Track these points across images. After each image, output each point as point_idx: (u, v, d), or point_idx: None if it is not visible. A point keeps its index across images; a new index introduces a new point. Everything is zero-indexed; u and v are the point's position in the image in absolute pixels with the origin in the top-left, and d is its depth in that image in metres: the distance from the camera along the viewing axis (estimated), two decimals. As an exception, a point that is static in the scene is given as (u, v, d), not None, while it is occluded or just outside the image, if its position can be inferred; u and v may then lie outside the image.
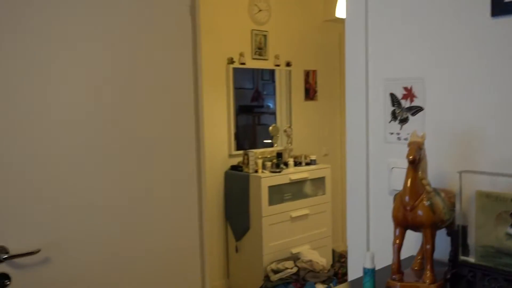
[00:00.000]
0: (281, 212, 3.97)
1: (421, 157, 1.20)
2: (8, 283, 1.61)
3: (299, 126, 4.70)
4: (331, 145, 5.01)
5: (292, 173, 4.09)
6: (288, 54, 4.61)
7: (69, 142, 1.74)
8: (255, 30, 4.35)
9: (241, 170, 4.06)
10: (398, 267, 1.23)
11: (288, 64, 4.63)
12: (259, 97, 4.64)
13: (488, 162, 1.33)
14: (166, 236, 2.04)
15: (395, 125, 1.55)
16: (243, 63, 4.28)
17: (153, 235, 2.00)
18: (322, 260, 3.80)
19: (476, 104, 1.35)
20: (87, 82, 1.78)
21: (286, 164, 4.19)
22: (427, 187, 1.21)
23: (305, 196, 4.20)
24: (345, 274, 3.54)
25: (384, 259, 1.37)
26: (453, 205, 1.27)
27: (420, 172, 1.20)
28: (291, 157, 4.31)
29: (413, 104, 1.49)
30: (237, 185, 4.05)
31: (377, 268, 1.21)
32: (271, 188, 3.91)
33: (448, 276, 1.24)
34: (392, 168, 1.56)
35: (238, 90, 4.32)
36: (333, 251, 4.36)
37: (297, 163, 4.27)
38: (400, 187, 1.24)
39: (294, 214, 4.05)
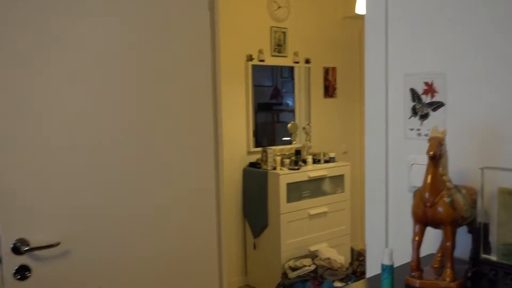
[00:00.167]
0: (299, 210, 3.95)
1: (442, 153, 1.18)
2: (28, 274, 1.64)
3: (318, 123, 4.68)
4: (350, 143, 4.98)
5: (310, 171, 4.07)
6: (307, 51, 4.59)
7: (89, 138, 1.76)
8: (274, 27, 4.34)
9: (260, 167, 4.06)
10: (417, 264, 1.21)
11: (307, 61, 4.61)
12: (278, 95, 4.63)
13: (511, 158, 1.30)
14: (184, 232, 2.05)
15: (415, 121, 1.53)
16: (262, 60, 4.27)
17: (171, 231, 2.01)
18: (340, 258, 3.78)
19: (499, 99, 1.32)
20: (107, 79, 1.80)
21: (304, 162, 4.17)
22: (448, 184, 1.19)
23: (324, 193, 4.18)
24: (364, 272, 3.51)
25: (402, 256, 1.36)
26: (474, 202, 1.25)
27: (440, 168, 1.18)
28: (310, 154, 4.29)
29: (434, 99, 1.47)
30: (255, 182, 4.05)
31: (395, 265, 1.20)
32: (290, 185, 3.90)
33: (469, 274, 1.21)
34: (412, 164, 1.53)
35: (257, 87, 4.31)
36: (352, 249, 4.33)
37: (315, 161, 4.25)
38: (419, 184, 1.23)
39: (312, 211, 4.03)
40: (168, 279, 2.02)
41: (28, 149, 1.64)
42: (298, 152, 4.26)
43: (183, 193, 2.04)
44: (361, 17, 4.08)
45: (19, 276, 1.62)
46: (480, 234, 1.25)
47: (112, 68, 1.81)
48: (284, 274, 3.73)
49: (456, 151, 1.36)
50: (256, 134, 4.28)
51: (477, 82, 1.37)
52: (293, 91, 4.63)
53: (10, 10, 1.58)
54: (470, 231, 1.28)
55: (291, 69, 4.58)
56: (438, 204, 1.17)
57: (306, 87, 4.64)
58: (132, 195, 1.89)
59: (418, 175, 1.38)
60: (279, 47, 4.40)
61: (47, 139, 1.68)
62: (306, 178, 4.02)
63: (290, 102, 4.68)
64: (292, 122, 4.53)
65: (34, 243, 1.63)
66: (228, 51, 3.65)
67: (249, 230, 4.17)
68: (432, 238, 1.35)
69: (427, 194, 1.18)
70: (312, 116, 4.64)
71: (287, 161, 4.08)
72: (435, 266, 1.29)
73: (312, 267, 3.67)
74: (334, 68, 4.84)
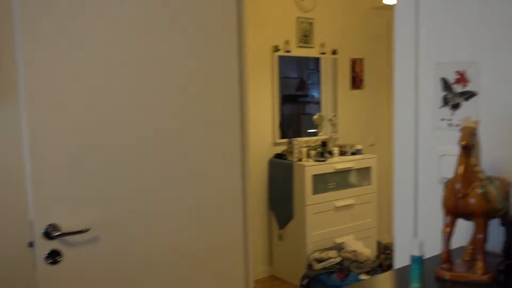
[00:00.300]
0: (325, 201, 3.93)
1: (474, 143, 1.15)
2: (60, 259, 1.68)
3: (344, 115, 4.63)
4: (377, 135, 4.91)
5: (337, 162, 4.04)
6: (334, 42, 4.54)
7: (122, 129, 1.79)
8: (300, 17, 4.30)
9: (285, 159, 4.05)
10: (447, 256, 1.19)
11: (334, 52, 4.56)
12: (303, 87, 4.60)
13: (547, 149, 1.26)
14: (210, 221, 2.06)
15: (446, 111, 1.49)
16: (289, 51, 4.24)
17: (197, 221, 2.02)
18: (366, 250, 3.75)
19: (536, 88, 1.29)
20: (138, 71, 1.82)
21: (330, 153, 4.14)
22: (480, 175, 1.16)
23: (350, 186, 4.14)
24: (390, 266, 3.47)
25: (432, 249, 1.33)
26: (507, 194, 1.22)
27: (472, 159, 1.16)
28: (336, 146, 4.26)
29: (466, 89, 1.43)
30: (281, 173, 4.04)
31: (425, 257, 1.18)
32: (315, 177, 3.88)
33: (502, 267, 1.19)
34: (443, 155, 1.51)
35: (282, 79, 4.29)
36: (378, 243, 4.29)
37: (342, 153, 4.22)
38: (450, 175, 1.20)
39: (338, 203, 4.01)
40: (193, 268, 2.03)
41: (63, 137, 1.67)
42: (324, 144, 4.23)
43: (209, 183, 2.04)
44: (389, 7, 4.00)
45: (50, 261, 1.66)
46: (513, 226, 1.22)
47: (140, 61, 1.82)
48: (310, 266, 3.72)
49: (490, 141, 1.33)
50: (281, 126, 4.26)
51: (511, 70, 1.33)
52: (319, 83, 4.60)
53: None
54: (503, 224, 1.25)
55: (317, 61, 4.54)
56: (469, 195, 1.15)
57: (332, 78, 4.60)
58: (159, 185, 1.90)
59: (449, 166, 1.34)
60: (305, 38, 4.36)
61: (83, 130, 1.71)
62: (332, 170, 3.99)
63: (315, 94, 4.64)
64: (319, 113, 4.49)
65: (65, 228, 1.67)
66: (254, 42, 3.64)
67: (274, 221, 4.17)
68: (463, 230, 1.32)
69: (458, 185, 1.15)
70: (338, 108, 4.60)
71: (313, 152, 4.06)
72: (466, 258, 1.27)
73: (338, 259, 3.65)
74: (361, 59, 4.78)
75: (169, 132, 1.91)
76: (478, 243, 1.16)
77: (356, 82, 4.78)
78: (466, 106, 1.44)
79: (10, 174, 1.77)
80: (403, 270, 1.35)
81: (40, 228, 1.64)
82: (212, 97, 2.03)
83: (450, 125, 1.48)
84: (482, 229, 1.15)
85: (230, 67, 2.08)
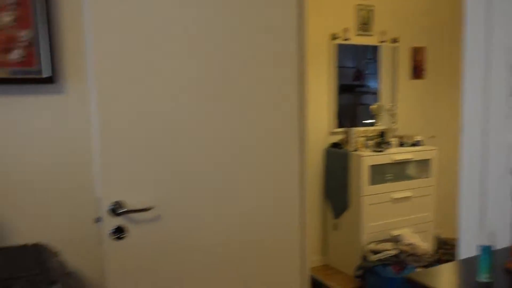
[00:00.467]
0: (382, 193, 3.85)
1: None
2: (124, 235, 1.74)
3: (404, 105, 4.50)
4: (439, 126, 4.74)
5: (395, 153, 3.94)
6: (394, 30, 4.41)
7: (187, 113, 1.83)
8: (360, 4, 4.21)
9: (342, 148, 4.00)
10: (519, 246, 1.14)
11: (394, 41, 4.43)
12: (360, 76, 4.51)
13: None
14: (267, 206, 2.08)
15: (521, 96, 1.42)
16: (347, 39, 4.17)
17: (256, 207, 2.04)
18: (424, 244, 3.65)
19: None
20: (202, 55, 1.85)
21: (388, 144, 4.05)
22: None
23: (408, 178, 4.04)
24: (449, 261, 3.37)
25: (501, 241, 1.28)
26: None
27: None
28: (395, 137, 4.16)
29: (544, 73, 1.36)
30: (337, 162, 4.00)
31: (494, 249, 1.13)
32: (372, 168, 3.81)
33: None
34: (515, 143, 1.44)
35: (339, 69, 4.23)
36: (437, 237, 4.16)
37: (401, 144, 4.11)
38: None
39: (395, 195, 3.92)
40: (250, 253, 2.06)
41: (130, 120, 1.73)
42: (382, 134, 4.14)
43: (268, 170, 2.06)
44: (456, -8, 3.83)
45: (116, 236, 1.73)
46: None
47: (201, 50, 1.85)
48: (364, 257, 3.67)
49: None
50: (337, 115, 4.21)
51: None
52: (376, 73, 4.49)
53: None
54: None
55: (375, 50, 4.44)
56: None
57: (392, 67, 4.48)
58: (220, 171, 1.94)
59: (523, 153, 1.28)
60: (364, 26, 4.26)
61: (150, 114, 1.76)
62: (390, 161, 3.90)
63: (372, 84, 4.54)
64: (378, 103, 4.40)
65: (130, 206, 1.73)
66: (311, 30, 3.59)
67: (329, 211, 4.14)
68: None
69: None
70: (398, 98, 4.48)
71: (370, 142, 3.98)
72: (539, 250, 1.21)
73: (394, 252, 3.58)
74: (423, 48, 4.62)
75: (229, 118, 1.94)
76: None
77: (417, 71, 4.63)
78: (543, 92, 1.36)
79: (79, 153, 1.85)
80: (468, 261, 1.31)
81: (107, 205, 1.71)
82: (272, 85, 2.03)
83: (524, 111, 1.41)
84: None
85: (289, 56, 2.07)
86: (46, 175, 1.81)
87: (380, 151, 3.89)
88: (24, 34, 1.70)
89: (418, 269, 3.38)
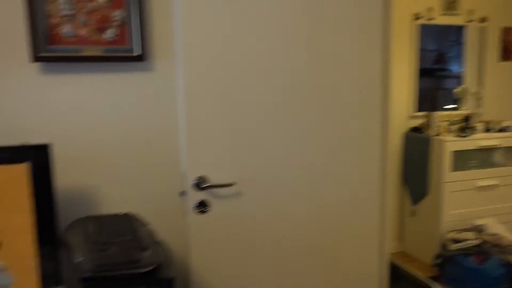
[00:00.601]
0: (465, 180, 3.68)
1: None
2: (207, 209, 1.80)
3: (491, 89, 4.25)
4: (529, 112, 4.44)
5: (480, 139, 3.74)
6: (483, 9, 4.15)
7: (269, 92, 1.84)
8: (447, -18, 4.00)
9: (422, 133, 3.86)
10: None
11: (482, 20, 4.17)
12: (442, 60, 4.30)
13: None
14: (347, 189, 2.05)
15: None
16: (431, 19, 3.98)
17: (334, 188, 2.03)
18: (510, 235, 3.45)
19: None
20: (287, 38, 1.84)
21: (473, 129, 3.84)
22: None
23: (495, 165, 3.82)
24: (538, 254, 3.16)
25: None
26: None
27: None
28: (480, 122, 3.94)
29: None
30: (417, 147, 3.86)
31: None
32: (455, 153, 3.64)
33: None
34: None
35: (420, 51, 4.06)
36: (524, 229, 3.92)
37: (486, 129, 3.89)
38: None
39: (480, 183, 3.73)
40: (328, 236, 2.05)
41: (215, 97, 1.77)
42: (466, 119, 3.94)
43: (348, 153, 2.03)
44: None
45: (199, 210, 1.79)
46: None
47: (287, 32, 1.85)
48: (444, 245, 3.54)
49: None
50: (418, 100, 4.06)
51: None
52: (459, 56, 4.26)
53: None
54: None
55: (459, 31, 4.20)
56: None
57: (479, 49, 4.23)
58: (301, 151, 1.94)
59: None
60: (451, 4, 4.05)
61: (234, 91, 1.79)
62: (475, 147, 3.71)
63: (455, 68, 4.32)
64: (463, 86, 4.18)
65: (213, 181, 1.79)
66: (394, 9, 3.47)
67: (407, 196, 4.03)
68: None
69: None
70: (484, 81, 4.23)
71: (453, 127, 3.80)
72: None
73: (476, 242, 3.42)
74: (515, 28, 4.32)
75: (313, 100, 1.93)
76: None
77: (507, 53, 4.34)
78: None
79: (165, 129, 1.93)
80: None
81: (191, 179, 1.77)
82: (356, 69, 1.99)
83: None
84: None
85: (374, 38, 2.01)
86: (134, 149, 1.91)
87: (464, 136, 3.71)
88: (117, 14, 1.78)
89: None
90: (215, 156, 1.80)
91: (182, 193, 1.81)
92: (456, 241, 3.46)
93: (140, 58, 1.82)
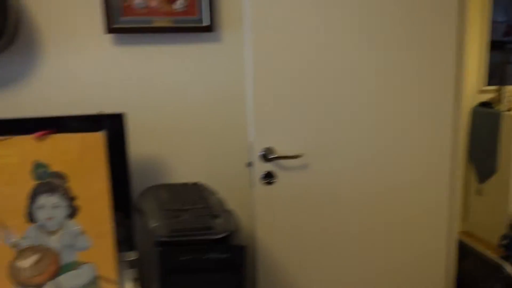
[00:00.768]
0: (537, 158, 3.49)
1: None
2: (273, 181, 1.81)
3: None
4: None
5: (557, 115, 3.52)
6: None
7: (337, 62, 1.81)
8: None
9: (492, 108, 3.68)
10: None
11: None
12: (512, 32, 4.04)
13: None
14: (416, 165, 2.00)
15: None
16: (506, -14, 3.73)
17: (403, 163, 1.98)
18: None
19: None
20: (355, 14, 1.80)
21: (550, 105, 3.62)
22: None
23: None
24: None
25: None
26: None
27: None
28: (557, 97, 3.70)
29: None
30: (485, 123, 3.69)
31: None
32: (527, 130, 3.45)
33: None
34: None
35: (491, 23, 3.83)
36: None
37: None
38: None
39: (554, 162, 3.53)
40: (396, 214, 2.01)
41: (283, 68, 1.76)
42: (541, 94, 3.71)
43: (419, 128, 1.97)
44: None
45: (265, 181, 1.80)
46: None
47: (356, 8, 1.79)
48: (511, 226, 3.40)
49: None
50: (487, 73, 3.86)
51: None
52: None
53: None
54: None
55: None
56: None
57: (558, 18, 3.94)
58: (371, 130, 1.90)
59: None
60: (528, -29, 3.78)
61: (302, 63, 1.78)
62: (550, 124, 3.50)
63: (528, 40, 4.06)
64: (540, 58, 3.93)
65: (280, 152, 1.79)
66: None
67: (473, 174, 3.88)
68: None
69: None
70: None
71: (526, 102, 3.60)
72: None
73: (547, 223, 3.25)
74: None
75: (382, 70, 1.87)
76: None
77: None
78: None
79: (233, 100, 1.94)
80: None
81: (258, 150, 1.78)
82: (428, 42, 1.91)
83: None
84: None
85: (449, 9, 1.91)
86: (202, 119, 1.94)
87: (538, 112, 3.50)
88: (186, -16, 1.79)
89: None
90: (283, 128, 1.80)
91: (249, 164, 1.83)
92: (526, 221, 3.32)
93: (208, 29, 1.82)
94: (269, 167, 1.79)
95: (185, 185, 1.70)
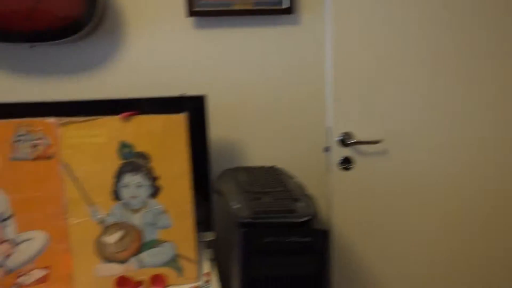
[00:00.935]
0: None
1: None
2: (351, 166, 1.77)
3: None
4: None
5: None
6: None
7: (416, 47, 1.74)
8: None
9: None
10: None
11: None
12: None
13: None
14: (507, 157, 1.89)
15: None
16: None
17: (491, 153, 1.87)
18: None
19: None
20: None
21: None
22: None
23: None
24: None
25: None
26: None
27: None
28: None
29: None
30: None
31: None
32: None
33: None
34: None
35: None
36: None
37: None
38: None
39: None
40: (483, 206, 1.91)
41: (363, 52, 1.71)
42: None
43: (501, 114, 1.85)
44: None
45: (343, 167, 1.77)
46: None
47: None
48: None
49: None
50: None
51: None
52: None
53: None
54: None
55: None
56: None
57: None
58: (456, 114, 1.81)
59: None
60: None
61: (382, 47, 1.72)
62: None
63: None
64: None
65: (358, 137, 1.74)
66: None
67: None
68: None
69: None
70: None
71: None
72: None
73: None
74: None
75: (469, 47, 1.77)
76: None
77: None
78: None
79: (311, 83, 1.91)
80: None
81: (337, 135, 1.75)
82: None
83: None
84: None
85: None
86: (280, 103, 1.92)
87: None
88: (266, -34, 1.77)
89: None
90: (362, 112, 1.75)
91: (326, 149, 1.80)
92: None
93: (288, 11, 1.80)
94: (347, 152, 1.76)
95: (262, 168, 1.70)
